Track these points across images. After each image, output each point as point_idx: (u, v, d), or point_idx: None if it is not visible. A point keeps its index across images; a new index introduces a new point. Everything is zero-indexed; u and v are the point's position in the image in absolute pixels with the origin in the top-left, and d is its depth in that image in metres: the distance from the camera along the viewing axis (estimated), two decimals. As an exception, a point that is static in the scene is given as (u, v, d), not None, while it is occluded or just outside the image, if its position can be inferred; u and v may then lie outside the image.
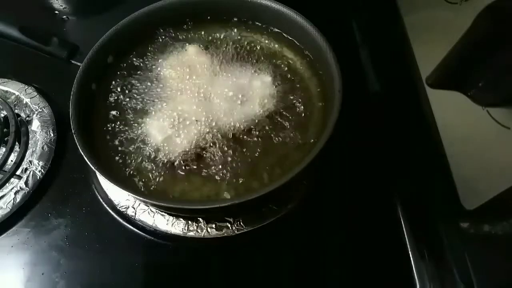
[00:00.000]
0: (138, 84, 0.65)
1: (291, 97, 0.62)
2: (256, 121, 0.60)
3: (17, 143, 0.68)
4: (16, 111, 0.72)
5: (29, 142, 0.69)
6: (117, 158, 0.58)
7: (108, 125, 0.61)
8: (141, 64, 0.67)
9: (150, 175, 0.57)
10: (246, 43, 0.69)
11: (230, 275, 0.58)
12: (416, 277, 0.57)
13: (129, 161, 0.58)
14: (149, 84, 0.64)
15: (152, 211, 0.62)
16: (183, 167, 0.57)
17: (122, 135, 0.60)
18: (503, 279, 0.48)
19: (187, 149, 0.57)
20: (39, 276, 0.59)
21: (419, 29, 0.67)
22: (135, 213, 0.62)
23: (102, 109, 0.63)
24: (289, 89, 0.63)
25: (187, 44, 0.68)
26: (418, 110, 0.63)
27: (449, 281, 0.55)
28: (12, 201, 0.63)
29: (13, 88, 0.76)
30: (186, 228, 0.60)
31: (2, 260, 0.61)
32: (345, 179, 0.65)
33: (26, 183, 0.65)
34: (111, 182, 0.51)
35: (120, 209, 0.62)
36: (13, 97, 0.75)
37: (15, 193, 0.64)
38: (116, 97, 0.64)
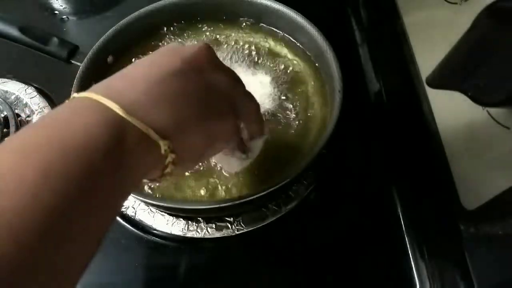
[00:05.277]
0: (138, 84, 0.65)
1: (291, 97, 0.62)
2: (256, 121, 0.60)
3: (17, 143, 0.68)
4: (16, 111, 0.72)
5: (29, 142, 0.69)
6: (117, 158, 0.58)
7: (108, 125, 0.61)
8: (141, 64, 0.67)
9: (150, 175, 0.57)
10: (245, 43, 0.69)
11: (230, 275, 0.58)
12: (416, 277, 0.57)
13: (129, 161, 0.58)
14: (149, 84, 0.64)
15: (152, 211, 0.62)
16: (183, 167, 0.57)
17: (122, 135, 0.60)
18: (503, 279, 0.48)
19: (187, 149, 0.57)
20: (39, 276, 0.59)
21: (419, 29, 0.66)
22: (135, 213, 0.62)
23: (102, 109, 0.63)
24: (288, 89, 0.63)
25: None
26: (418, 110, 0.62)
27: (449, 281, 0.55)
28: (12, 201, 0.63)
29: (13, 88, 0.75)
30: (186, 228, 0.60)
31: (2, 260, 0.60)
32: (345, 179, 0.65)
33: (26, 183, 0.64)
34: (111, 182, 0.51)
35: (120, 209, 0.62)
36: (13, 97, 0.75)
37: (15, 193, 0.64)
38: (116, 97, 0.64)
